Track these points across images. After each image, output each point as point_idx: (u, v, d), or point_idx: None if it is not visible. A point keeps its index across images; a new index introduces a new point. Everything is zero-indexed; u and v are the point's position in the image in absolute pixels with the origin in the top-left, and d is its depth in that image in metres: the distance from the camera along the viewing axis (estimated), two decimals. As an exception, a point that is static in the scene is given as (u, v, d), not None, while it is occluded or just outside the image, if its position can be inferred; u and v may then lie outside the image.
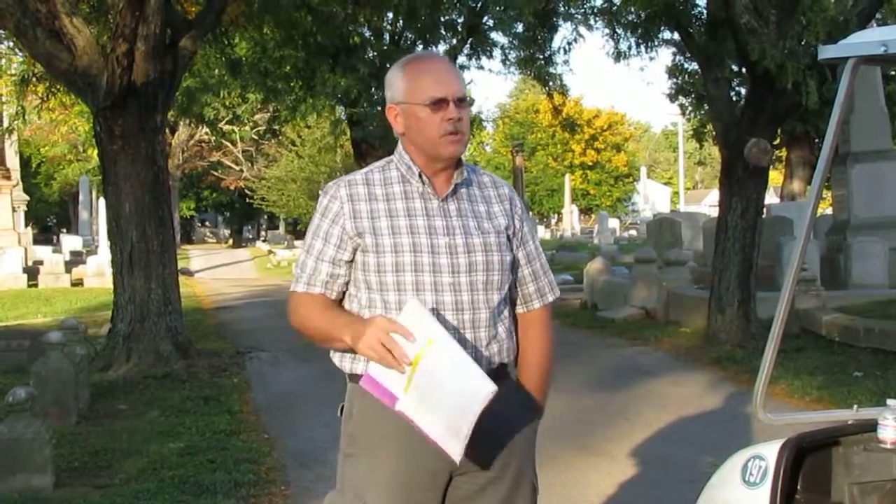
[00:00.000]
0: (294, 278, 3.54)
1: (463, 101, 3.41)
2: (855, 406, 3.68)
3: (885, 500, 3.26)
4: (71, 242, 41.04)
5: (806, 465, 3.44)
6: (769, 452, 3.41)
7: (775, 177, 40.99)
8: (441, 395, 3.11)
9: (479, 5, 24.00)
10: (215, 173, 64.94)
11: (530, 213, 48.43)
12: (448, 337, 3.15)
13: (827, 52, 3.47)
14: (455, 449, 3.13)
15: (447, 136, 3.37)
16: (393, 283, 3.36)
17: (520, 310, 3.63)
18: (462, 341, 3.30)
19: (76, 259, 34.78)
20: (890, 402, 3.38)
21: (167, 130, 26.39)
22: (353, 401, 3.47)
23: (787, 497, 3.37)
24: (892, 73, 27.50)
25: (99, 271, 29.68)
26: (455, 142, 3.39)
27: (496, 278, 3.44)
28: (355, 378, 3.40)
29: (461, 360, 3.13)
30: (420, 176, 3.45)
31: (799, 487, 3.44)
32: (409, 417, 3.16)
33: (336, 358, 3.51)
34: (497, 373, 3.42)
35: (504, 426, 3.45)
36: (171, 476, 8.07)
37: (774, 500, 3.32)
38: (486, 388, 3.08)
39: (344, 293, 3.51)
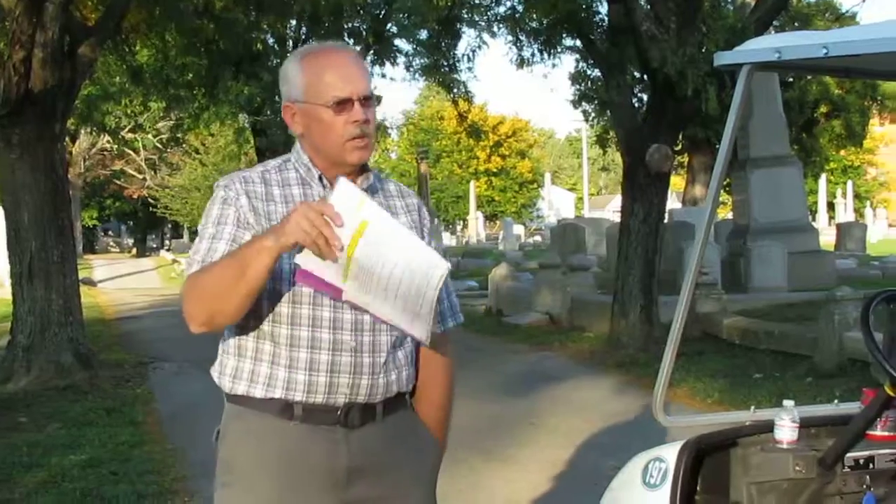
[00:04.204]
0: (187, 266, 3.03)
1: (369, 100, 3.01)
2: (752, 407, 3.73)
3: (782, 499, 3.31)
4: (-32, 253, 40.15)
5: (705, 466, 3.48)
6: (669, 454, 3.44)
7: (677, 182, 41.43)
8: (388, 282, 2.74)
9: (382, 12, 24.05)
10: (118, 182, 64.18)
11: (436, 220, 48.43)
12: (386, 215, 2.80)
13: (723, 58, 3.51)
14: (419, 332, 2.86)
15: (352, 141, 2.99)
16: (288, 296, 2.96)
17: None
18: (359, 365, 2.99)
19: (-26, 270, 33.98)
20: (786, 402, 3.44)
21: (67, 139, 26.02)
22: (229, 423, 3.09)
23: (687, 498, 3.40)
24: (790, 80, 28.03)
25: (-3, 282, 29.02)
26: (361, 147, 3.01)
27: None
28: (234, 399, 3.06)
29: (405, 239, 2.80)
30: (320, 179, 3.08)
31: (698, 488, 3.48)
32: (360, 306, 2.80)
33: (215, 374, 3.12)
34: (394, 402, 3.14)
35: (402, 464, 3.15)
36: (73, 489, 7.94)
37: (674, 501, 3.36)
38: (440, 268, 2.80)
39: None
